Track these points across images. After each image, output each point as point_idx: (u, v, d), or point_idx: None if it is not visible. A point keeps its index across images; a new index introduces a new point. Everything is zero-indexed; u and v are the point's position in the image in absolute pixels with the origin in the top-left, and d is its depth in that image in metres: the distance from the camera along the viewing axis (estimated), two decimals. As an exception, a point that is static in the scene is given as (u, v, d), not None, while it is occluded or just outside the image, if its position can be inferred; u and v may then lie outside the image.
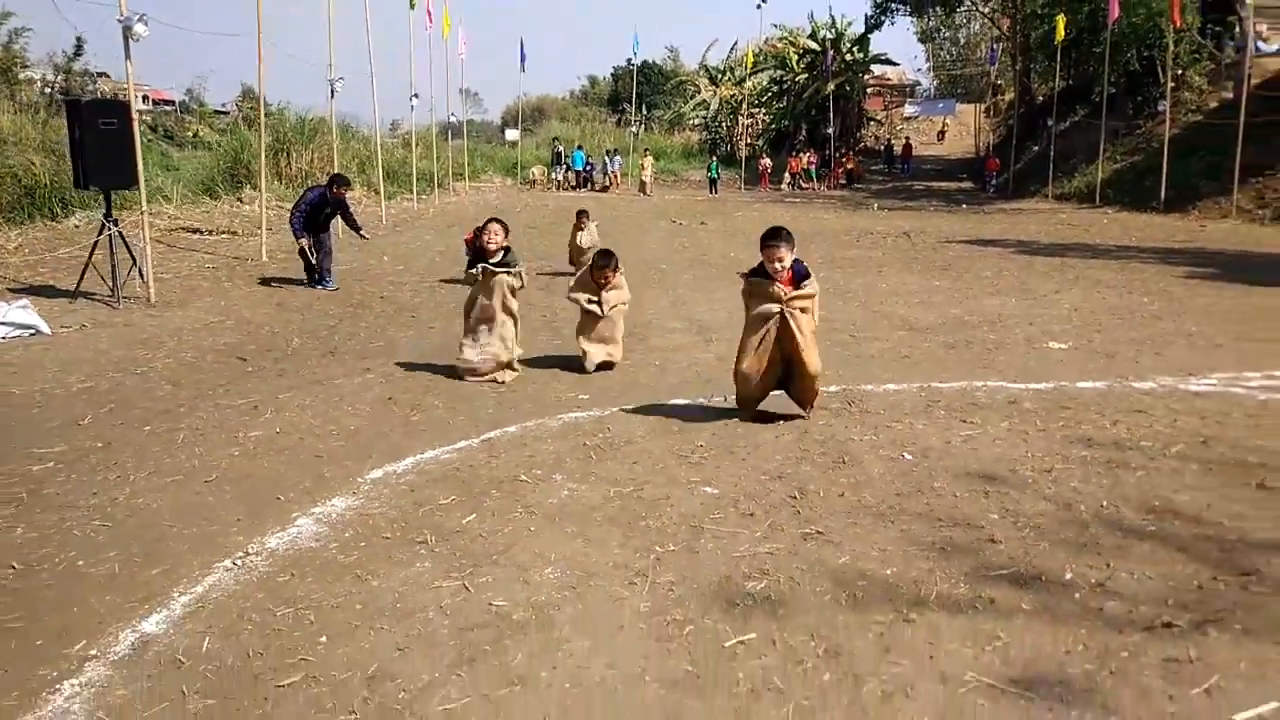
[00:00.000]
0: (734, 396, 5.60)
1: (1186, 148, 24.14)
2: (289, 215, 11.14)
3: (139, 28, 8.51)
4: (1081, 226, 20.27)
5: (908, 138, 48.06)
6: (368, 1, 18.13)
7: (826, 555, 3.63)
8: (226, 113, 44.88)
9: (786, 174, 38.48)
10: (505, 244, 6.61)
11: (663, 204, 28.76)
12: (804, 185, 37.97)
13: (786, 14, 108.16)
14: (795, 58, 45.17)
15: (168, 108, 43.69)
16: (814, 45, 44.61)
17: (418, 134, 26.91)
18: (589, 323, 6.91)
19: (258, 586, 3.37)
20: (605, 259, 7.05)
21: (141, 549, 3.69)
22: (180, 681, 2.76)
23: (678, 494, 4.30)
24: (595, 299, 6.90)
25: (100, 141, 8.69)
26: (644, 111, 49.13)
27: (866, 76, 48.05)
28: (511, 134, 47.14)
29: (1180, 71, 26.88)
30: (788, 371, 5.38)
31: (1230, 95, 24.58)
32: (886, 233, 18.92)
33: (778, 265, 5.20)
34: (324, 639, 3.00)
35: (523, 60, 37.53)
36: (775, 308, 5.20)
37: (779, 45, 46.95)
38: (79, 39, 35.11)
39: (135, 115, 9.00)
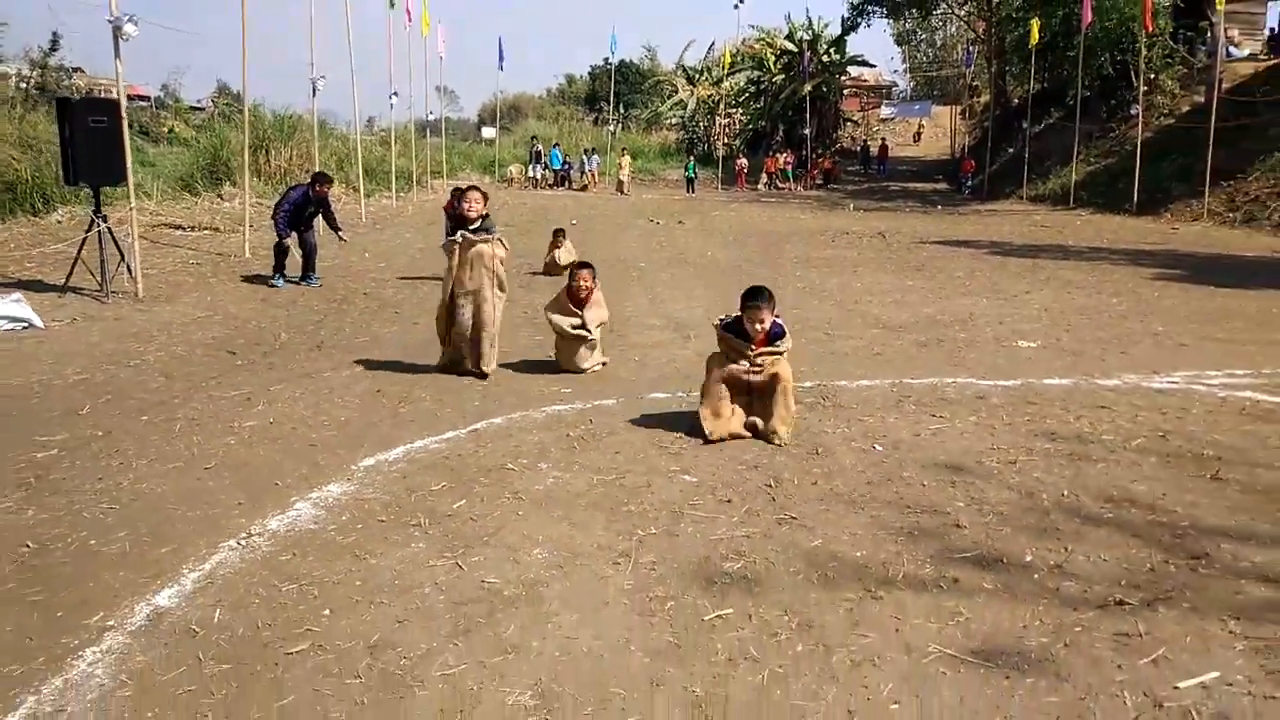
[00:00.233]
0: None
1: (1159, 151, 24.61)
2: (272, 213, 11.15)
3: (129, 28, 8.60)
4: (1055, 228, 20.64)
5: (884, 139, 48.50)
6: (347, 2, 18.15)
7: (800, 538, 3.84)
8: (202, 109, 44.61)
9: (764, 174, 38.77)
10: (484, 212, 6.56)
11: (640, 203, 28.95)
12: (781, 185, 38.27)
13: (763, 15, 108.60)
14: (772, 59, 45.52)
15: (143, 103, 43.37)
16: (791, 46, 44.99)
17: (394, 131, 26.97)
18: (573, 346, 6.77)
19: (262, 564, 3.54)
20: (583, 266, 7.01)
21: (149, 529, 3.85)
22: (195, 649, 2.93)
23: (658, 482, 4.50)
24: (580, 321, 6.71)
25: (90, 139, 8.79)
26: (621, 111, 49.28)
27: (843, 78, 48.50)
28: (488, 132, 47.14)
29: (1153, 76, 27.38)
30: (758, 404, 5.23)
31: (1202, 99, 25.07)
32: (862, 233, 19.21)
33: (758, 327, 5.14)
34: (327, 612, 3.17)
35: (501, 59, 37.72)
36: (742, 364, 5.14)
37: (756, 46, 47.29)
38: (55, 35, 34.90)
39: (124, 114, 9.08)
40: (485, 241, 6.39)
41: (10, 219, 14.67)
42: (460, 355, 6.60)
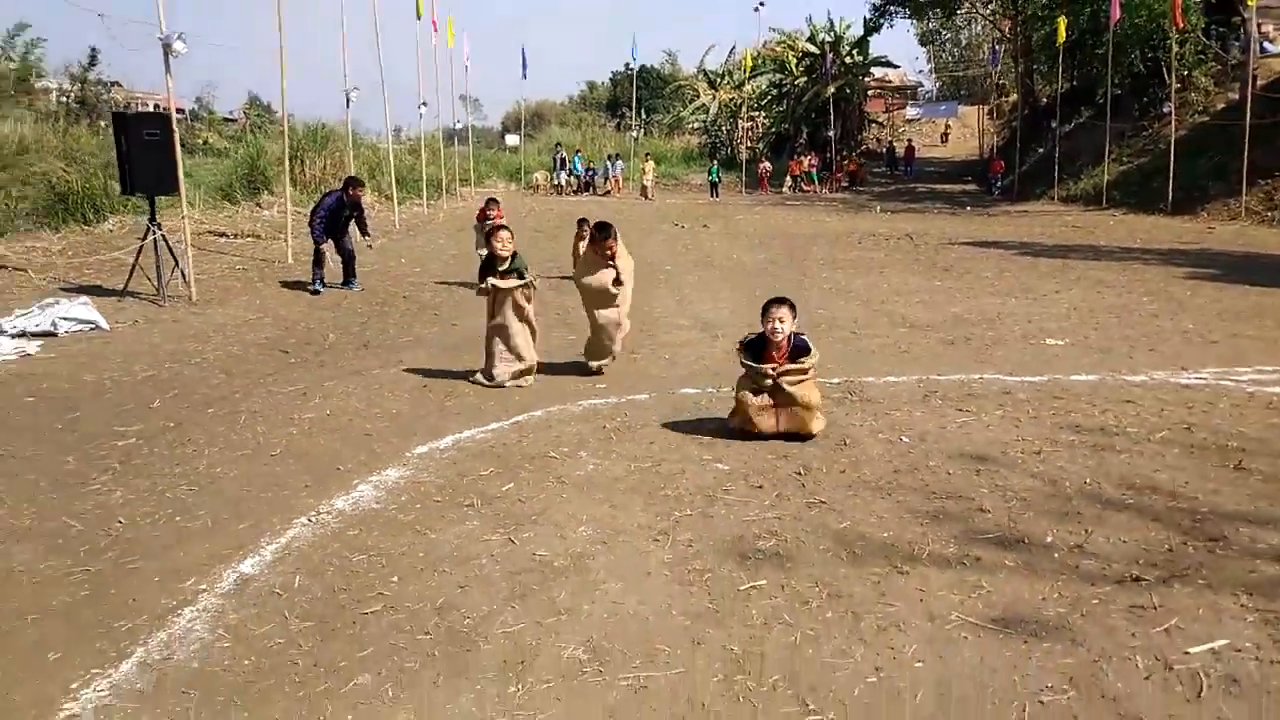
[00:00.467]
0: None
1: (1194, 149, 24.39)
2: (308, 220, 11.37)
3: (178, 45, 9.00)
4: (1086, 228, 20.64)
5: (910, 140, 48.43)
6: (377, 14, 18.61)
7: (829, 520, 4.08)
8: (234, 120, 45.44)
9: (788, 177, 38.89)
10: (513, 250, 6.67)
11: (664, 208, 29.21)
12: (805, 188, 38.37)
13: (784, 18, 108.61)
14: (794, 61, 45.58)
15: (178, 115, 44.30)
16: (813, 48, 45.04)
17: (424, 140, 27.41)
18: (601, 297, 6.78)
19: (333, 538, 3.84)
20: (605, 230, 6.86)
21: (227, 508, 4.17)
22: (281, 608, 3.23)
23: (692, 469, 4.74)
24: (616, 274, 6.75)
25: (145, 151, 9.20)
26: (643, 116, 49.61)
27: (867, 79, 48.42)
28: (511, 139, 47.65)
29: (1186, 73, 27.23)
30: (784, 423, 5.23)
31: (1237, 96, 24.91)
32: (888, 235, 19.34)
33: (776, 325, 5.14)
34: (396, 578, 3.46)
35: (524, 68, 38.08)
36: (767, 384, 5.13)
37: (777, 49, 47.39)
38: (94, 50, 35.77)
39: (176, 127, 9.48)
40: (516, 288, 6.54)
41: (64, 228, 15.20)
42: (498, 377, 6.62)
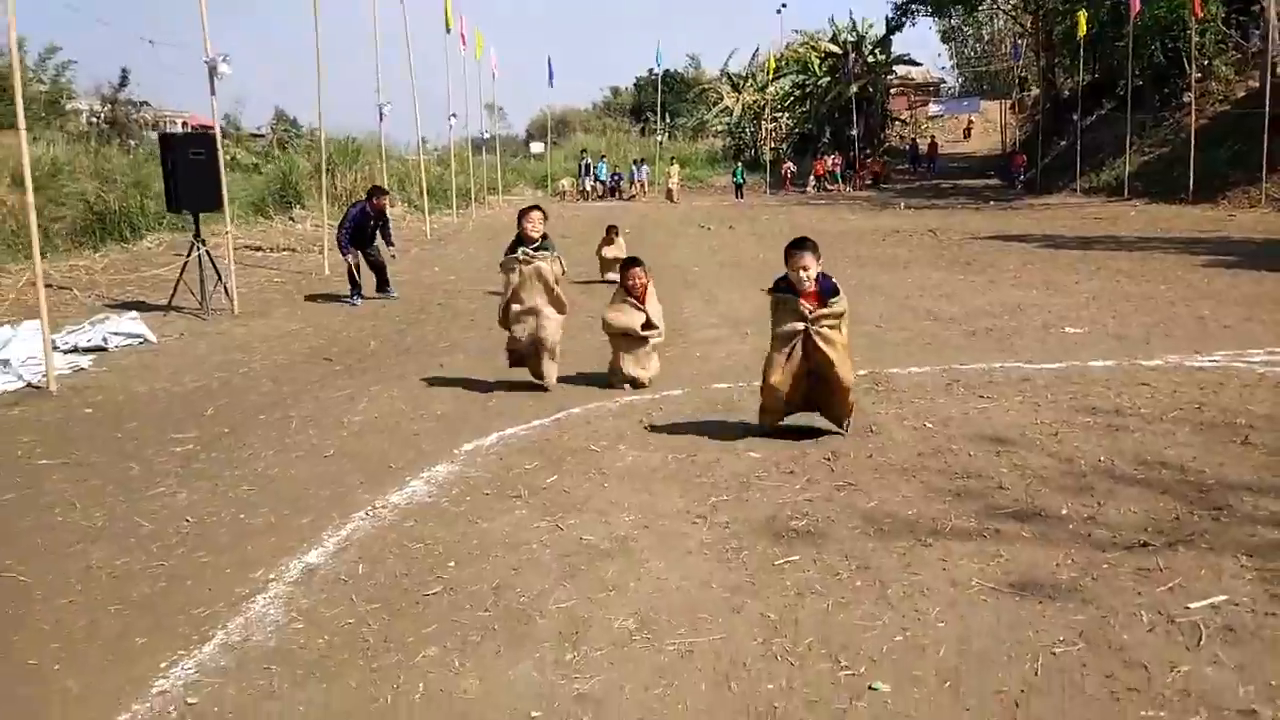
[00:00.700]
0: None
1: (1215, 138, 24.40)
2: (336, 232, 11.57)
3: (223, 67, 9.38)
4: (1108, 219, 20.70)
5: (933, 136, 48.44)
6: (408, 29, 19.03)
7: (857, 501, 4.31)
8: (262, 135, 46.17)
9: (812, 177, 39.05)
10: (544, 232, 6.56)
11: (690, 210, 29.47)
12: (829, 187, 38.52)
13: (807, 19, 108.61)
14: (817, 62, 45.79)
15: (208, 131, 44.99)
16: (835, 49, 45.22)
17: (452, 151, 27.83)
18: (634, 345, 6.68)
19: (390, 529, 4.12)
20: (634, 261, 6.87)
21: (287, 505, 4.47)
22: (347, 593, 3.51)
23: (726, 458, 4.99)
24: (646, 319, 6.63)
25: (190, 170, 9.59)
26: (667, 120, 49.90)
27: (889, 77, 48.50)
28: (536, 147, 48.11)
29: (1206, 62, 27.18)
30: (819, 388, 5.21)
31: (1258, 85, 24.85)
32: (912, 231, 19.49)
33: (802, 274, 5.05)
34: (452, 564, 3.74)
35: (551, 76, 38.64)
36: (800, 325, 5.05)
37: (800, 50, 47.59)
38: (124, 71, 36.51)
39: (220, 146, 9.87)
40: (544, 260, 6.44)
41: (102, 247, 15.68)
42: (520, 361, 6.68)
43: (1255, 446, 4.87)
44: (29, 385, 7.01)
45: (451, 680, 2.90)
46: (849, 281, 11.87)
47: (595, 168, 39.93)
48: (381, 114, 16.96)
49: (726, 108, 49.42)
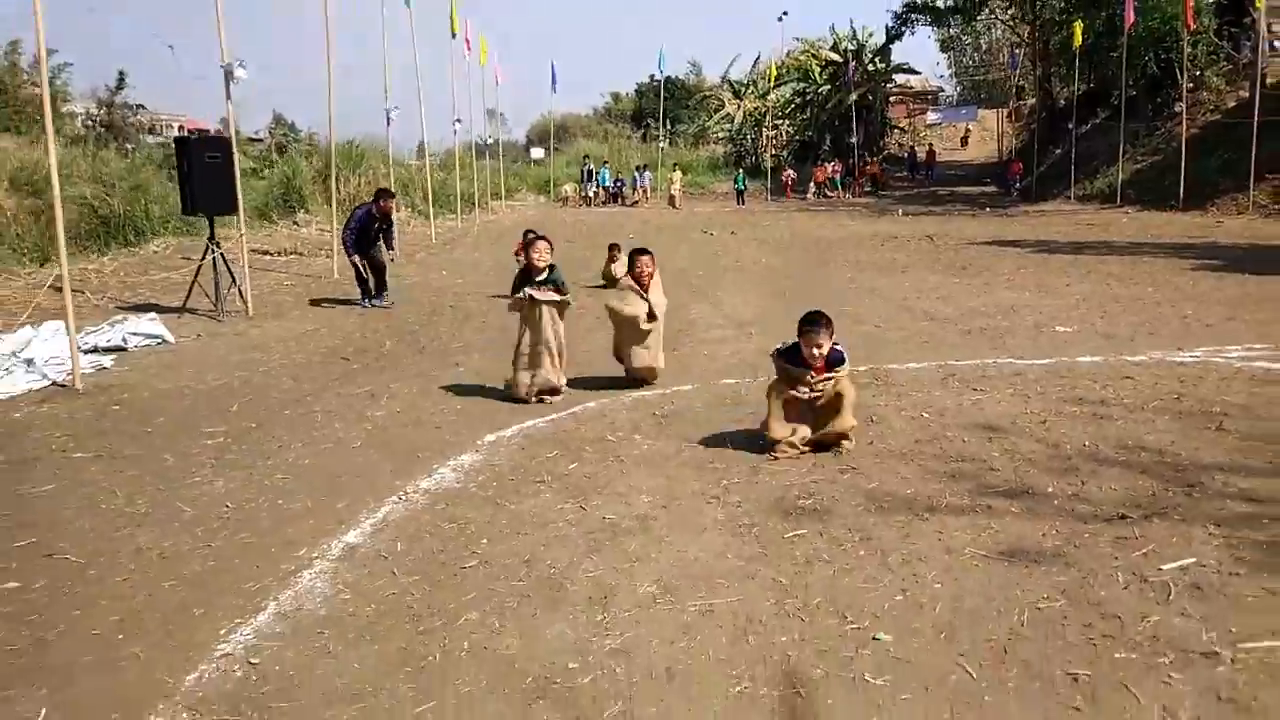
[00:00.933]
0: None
1: (1206, 147, 24.81)
2: (341, 235, 11.69)
3: (239, 72, 9.66)
4: (1100, 226, 21.05)
5: (931, 144, 48.84)
6: (414, 35, 19.36)
7: (859, 482, 4.61)
8: (260, 140, 46.45)
9: (812, 184, 39.43)
10: (551, 262, 6.59)
11: (692, 216, 29.80)
12: (829, 194, 38.89)
13: (808, 27, 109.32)
14: (818, 69, 46.23)
15: (203, 134, 45.08)
16: (836, 57, 45.66)
17: (449, 156, 28.11)
18: (634, 332, 6.77)
19: (423, 511, 4.42)
20: (643, 251, 6.94)
21: (322, 492, 4.75)
22: (389, 567, 3.80)
23: (736, 446, 5.27)
24: (648, 308, 6.73)
25: (206, 173, 9.86)
26: (668, 126, 50.26)
27: (889, 85, 48.96)
28: (536, 152, 48.45)
29: (1198, 73, 27.60)
30: (820, 424, 5.17)
31: (1247, 95, 25.25)
32: (910, 237, 19.82)
33: (815, 352, 5.02)
34: (485, 541, 4.03)
35: (554, 82, 38.90)
36: (802, 392, 5.07)
37: (801, 58, 48.02)
38: (121, 73, 36.74)
39: (235, 151, 10.15)
40: (551, 302, 6.45)
41: (108, 250, 15.89)
42: (526, 391, 6.52)
43: (1228, 432, 5.18)
44: (54, 384, 7.27)
45: (494, 639, 3.19)
46: (848, 285, 12.32)
47: (598, 173, 40.29)
48: (389, 118, 17.24)
49: (728, 114, 49.82)
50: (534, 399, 6.45)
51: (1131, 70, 28.07)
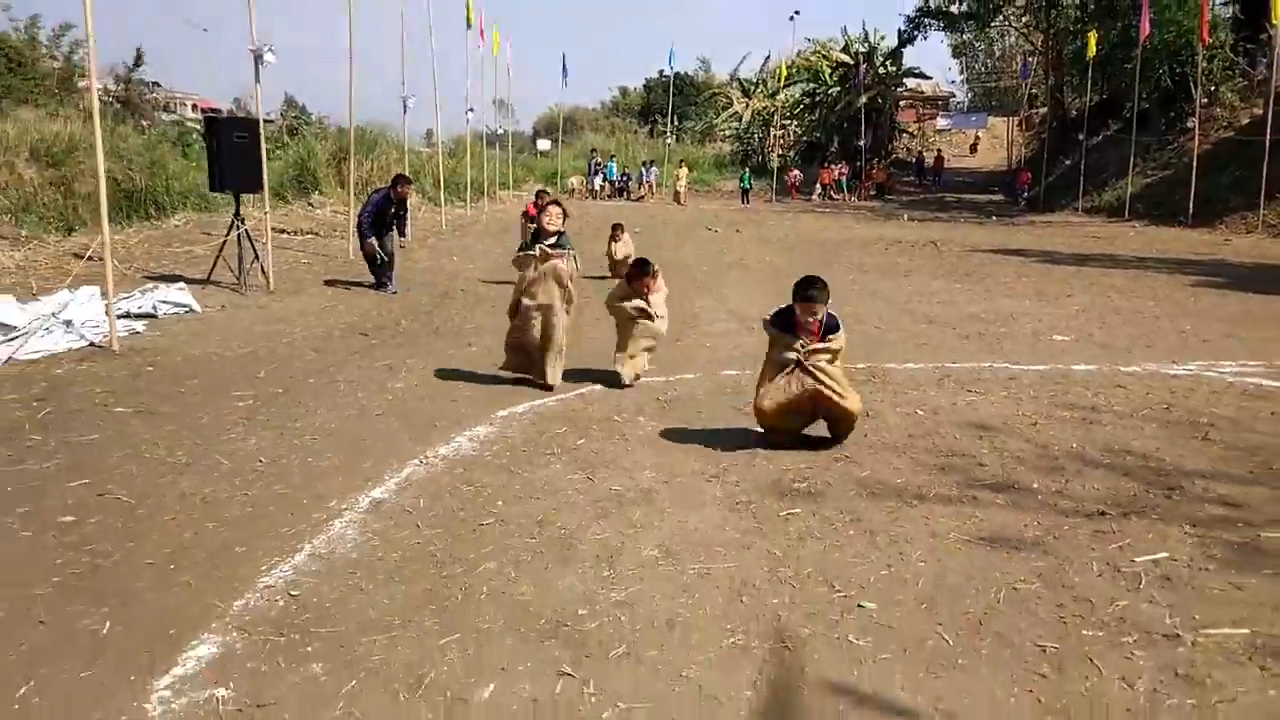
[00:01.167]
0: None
1: (1218, 164, 24.94)
2: (358, 218, 11.80)
3: (268, 56, 9.91)
4: (1106, 239, 21.26)
5: (939, 150, 48.98)
6: (432, 25, 19.55)
7: (852, 470, 4.88)
8: (271, 121, 46.61)
9: (818, 185, 39.63)
10: (562, 228, 6.57)
11: (697, 213, 30.05)
12: (834, 196, 39.10)
13: (819, 28, 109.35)
14: (828, 71, 46.36)
15: (216, 115, 45.31)
16: (846, 59, 45.79)
17: (456, 144, 28.30)
18: (630, 333, 6.70)
19: (442, 474, 4.69)
20: (643, 266, 6.76)
21: (348, 452, 5.02)
22: (413, 520, 4.07)
23: (735, 431, 5.54)
24: (645, 304, 6.69)
25: (233, 152, 10.12)
26: (675, 122, 50.44)
27: (899, 89, 49.08)
28: (543, 144, 48.67)
29: (1213, 88, 27.76)
30: (823, 413, 5.19)
31: (1261, 112, 25.41)
32: (914, 242, 20.05)
33: (810, 320, 4.99)
34: (500, 503, 4.30)
35: (565, 75, 39.20)
36: (793, 356, 5.04)
37: (812, 59, 48.15)
38: (139, 51, 37.03)
39: (262, 131, 10.41)
40: (560, 257, 6.44)
41: (129, 225, 16.18)
42: (524, 365, 6.64)
43: (1214, 442, 5.43)
44: (92, 344, 7.55)
45: (510, 586, 3.46)
46: (851, 287, 12.57)
47: (605, 167, 40.52)
48: (406, 106, 17.47)
49: (736, 113, 49.98)
50: (532, 373, 6.50)
51: (1145, 83, 28.22)
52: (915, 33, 42.96)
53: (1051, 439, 5.47)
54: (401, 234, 11.95)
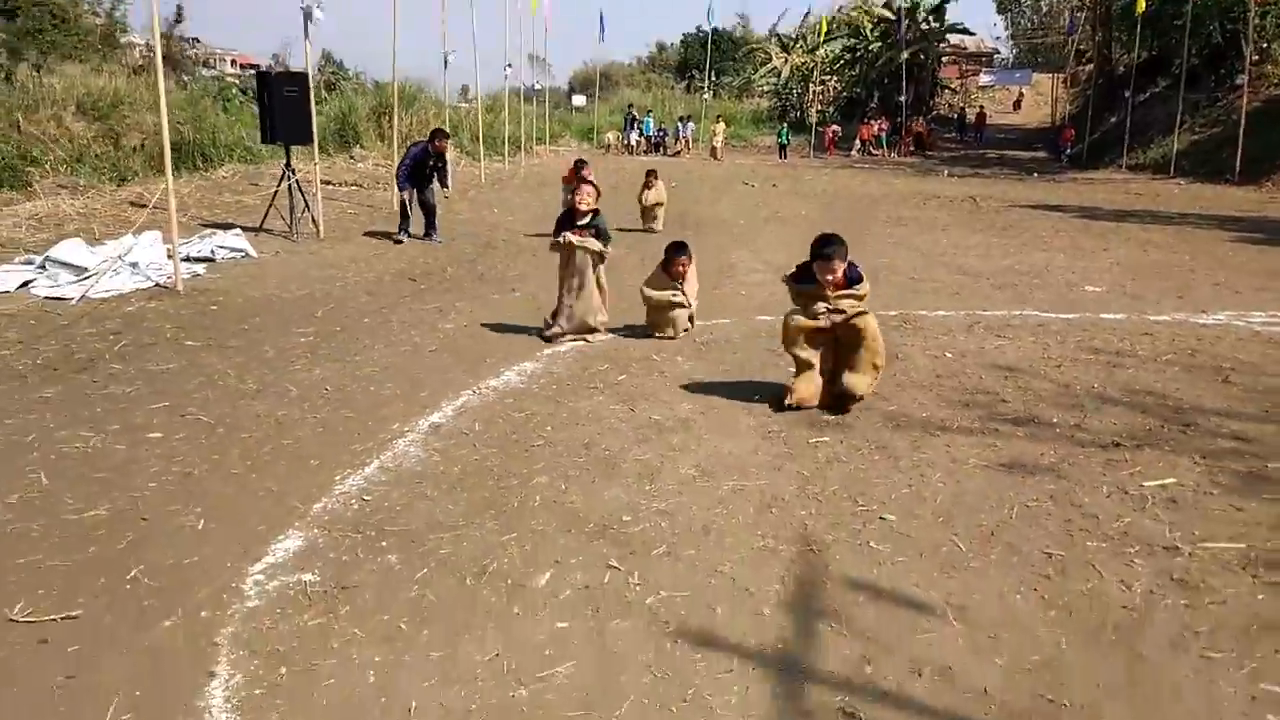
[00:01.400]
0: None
1: (1268, 122, 24.47)
2: (396, 171, 12.08)
3: (318, 13, 10.19)
4: (1149, 196, 21.04)
5: (982, 106, 48.30)
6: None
7: (878, 404, 5.13)
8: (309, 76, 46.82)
9: (857, 140, 39.32)
10: (595, 207, 6.60)
11: (734, 168, 30.03)
12: (874, 152, 38.79)
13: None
14: (869, 26, 45.69)
15: (255, 71, 45.71)
16: (888, 14, 45.06)
17: (494, 100, 28.46)
18: (666, 313, 6.73)
19: (494, 404, 5.03)
20: (680, 250, 6.75)
21: (407, 383, 5.39)
22: (470, 441, 4.42)
23: (768, 369, 5.81)
24: (680, 292, 6.71)
25: (284, 105, 10.47)
26: (714, 78, 50.06)
27: (942, 45, 48.31)
28: (578, 99, 48.55)
29: (1265, 45, 27.18)
30: (840, 364, 5.01)
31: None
32: (953, 197, 20.00)
33: (828, 277, 4.86)
34: (549, 428, 4.63)
35: (602, 30, 39.07)
36: (822, 306, 4.89)
37: (852, 14, 47.47)
38: (179, 7, 37.49)
39: (312, 86, 10.72)
40: (590, 249, 6.52)
41: (177, 176, 16.61)
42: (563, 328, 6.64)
43: (1233, 384, 5.62)
44: (157, 285, 7.97)
45: (561, 495, 3.80)
46: (887, 240, 12.71)
47: (642, 122, 40.47)
48: (446, 61, 17.69)
49: (774, 68, 49.49)
50: (568, 339, 6.53)
51: (1195, 39, 27.65)
52: (959, -14, 42.17)
53: (1074, 380, 5.69)
54: (444, 185, 12.26)
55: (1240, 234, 13.76)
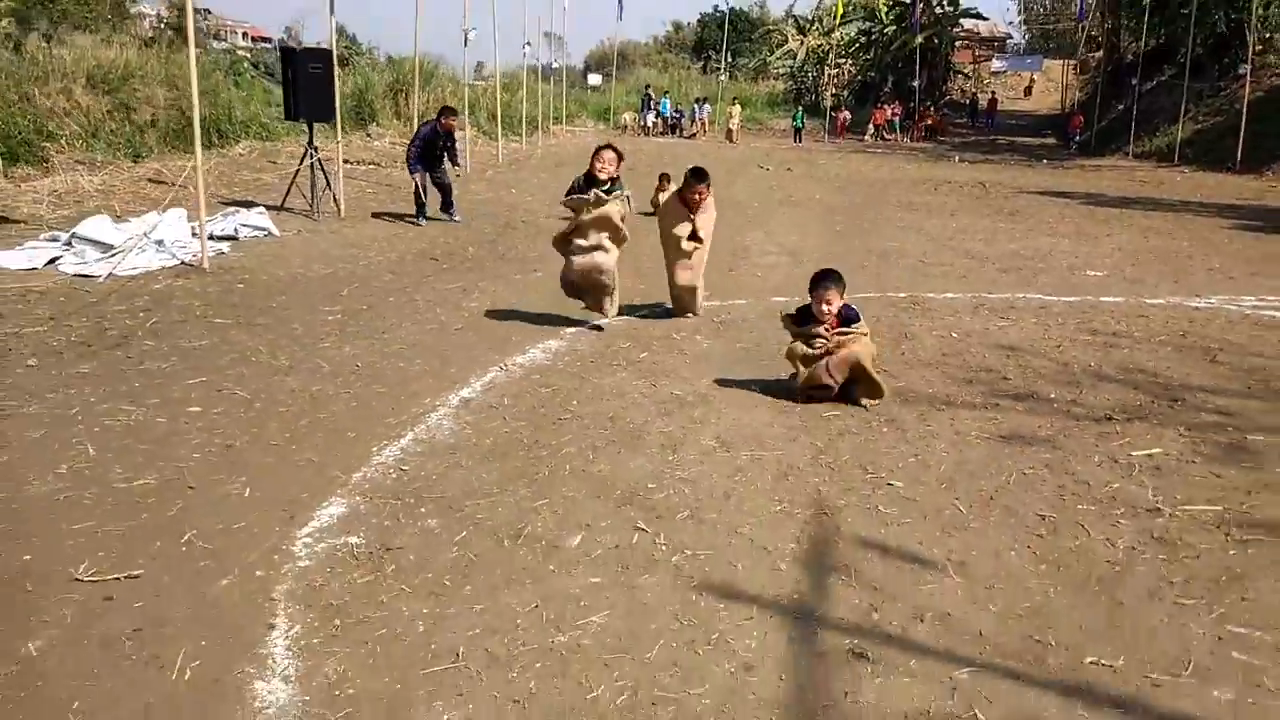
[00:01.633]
0: None
1: (1270, 111, 24.62)
2: (406, 151, 12.03)
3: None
4: (1153, 183, 21.21)
5: (994, 92, 48.25)
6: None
7: (888, 382, 5.35)
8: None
9: (870, 125, 39.38)
10: (615, 174, 6.39)
11: (749, 151, 30.17)
12: (887, 136, 38.85)
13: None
14: (884, 9, 45.62)
15: (266, 45, 45.68)
16: (904, -2, 45.00)
17: (510, 78, 28.55)
18: (676, 250, 6.72)
19: (521, 380, 5.31)
20: (699, 177, 6.65)
21: (435, 359, 5.67)
22: (500, 415, 4.71)
23: (783, 348, 6.02)
24: (691, 229, 6.68)
25: (309, 82, 10.66)
26: (730, 59, 50.03)
27: (956, 29, 48.21)
28: (594, 79, 48.62)
29: (1268, 35, 27.23)
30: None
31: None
32: (963, 183, 20.19)
33: (824, 309, 4.94)
34: (575, 403, 4.91)
35: (621, 9, 39.00)
36: (819, 344, 4.96)
37: (869, -2, 47.38)
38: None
39: (336, 62, 10.93)
40: (613, 201, 6.26)
41: (192, 153, 16.78)
42: (578, 298, 6.59)
43: (1220, 363, 5.91)
44: (183, 263, 8.24)
45: (589, 464, 4.09)
46: (897, 224, 12.94)
47: (658, 103, 40.55)
48: (466, 39, 17.88)
49: (790, 50, 49.44)
50: (582, 282, 6.37)
51: (1200, 29, 27.71)
52: (973, -29, 42.10)
53: (1072, 359, 5.96)
54: (455, 163, 12.31)
55: (1238, 221, 13.97)
